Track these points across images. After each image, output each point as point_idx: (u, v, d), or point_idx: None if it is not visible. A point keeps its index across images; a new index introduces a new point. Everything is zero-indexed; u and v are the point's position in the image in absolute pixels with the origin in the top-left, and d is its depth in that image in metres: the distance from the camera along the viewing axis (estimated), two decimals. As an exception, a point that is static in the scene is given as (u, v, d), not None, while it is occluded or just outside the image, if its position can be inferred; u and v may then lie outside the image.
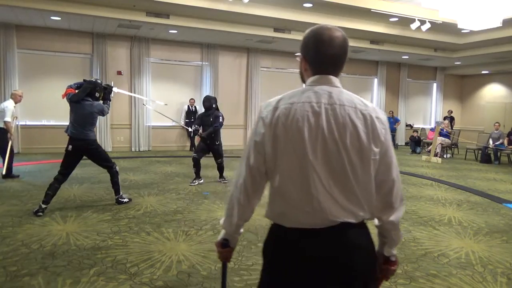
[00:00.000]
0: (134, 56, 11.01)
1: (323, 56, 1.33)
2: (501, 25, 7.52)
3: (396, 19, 9.43)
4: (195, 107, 11.35)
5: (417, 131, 13.36)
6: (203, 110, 6.83)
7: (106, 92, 5.14)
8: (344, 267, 1.26)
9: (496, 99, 15.65)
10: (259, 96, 12.64)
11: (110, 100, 5.27)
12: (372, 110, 1.31)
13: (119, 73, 10.95)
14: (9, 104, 6.61)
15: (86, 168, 7.01)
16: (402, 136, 15.17)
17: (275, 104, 1.33)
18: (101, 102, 5.08)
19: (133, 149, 11.17)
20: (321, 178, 1.26)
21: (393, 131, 13.92)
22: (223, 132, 7.01)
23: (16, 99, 6.76)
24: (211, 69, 11.89)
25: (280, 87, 13.21)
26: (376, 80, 14.97)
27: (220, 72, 12.09)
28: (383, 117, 1.33)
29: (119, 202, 5.16)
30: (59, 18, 9.00)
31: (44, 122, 10.17)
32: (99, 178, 6.76)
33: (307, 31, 1.37)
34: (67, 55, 10.44)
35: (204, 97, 6.86)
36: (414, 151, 12.73)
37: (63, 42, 10.30)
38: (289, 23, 9.66)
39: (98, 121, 10.29)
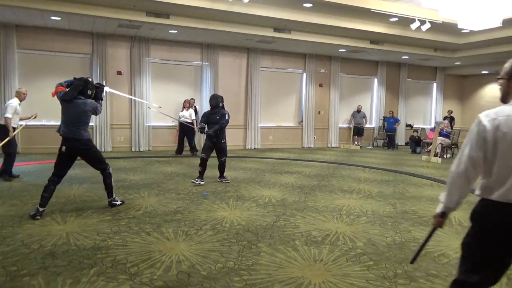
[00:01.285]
0: (134, 56, 11.01)
1: None
2: (501, 25, 7.50)
3: (396, 19, 9.43)
4: (195, 107, 11.34)
5: (417, 131, 13.36)
6: (202, 110, 6.86)
7: (98, 91, 4.90)
8: None
9: (496, 99, 15.28)
10: (259, 96, 12.63)
11: (102, 99, 5.03)
12: None
13: (119, 73, 10.97)
14: (13, 101, 6.67)
15: (86, 168, 6.96)
16: (402, 136, 15.16)
17: (493, 116, 1.88)
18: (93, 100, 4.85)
19: (133, 149, 11.18)
20: None
21: (393, 131, 13.94)
22: (224, 132, 7.02)
23: (20, 97, 6.80)
24: (211, 69, 11.89)
25: (280, 87, 13.27)
26: (376, 80, 14.97)
27: (220, 72, 12.09)
28: None
29: (112, 205, 4.99)
30: (59, 18, 9.01)
31: (44, 122, 10.16)
32: (99, 178, 6.67)
33: None
34: (67, 55, 10.45)
35: (211, 96, 6.96)
36: (414, 151, 12.72)
37: (63, 42, 10.32)
38: (289, 23, 9.66)
39: (97, 121, 10.58)
